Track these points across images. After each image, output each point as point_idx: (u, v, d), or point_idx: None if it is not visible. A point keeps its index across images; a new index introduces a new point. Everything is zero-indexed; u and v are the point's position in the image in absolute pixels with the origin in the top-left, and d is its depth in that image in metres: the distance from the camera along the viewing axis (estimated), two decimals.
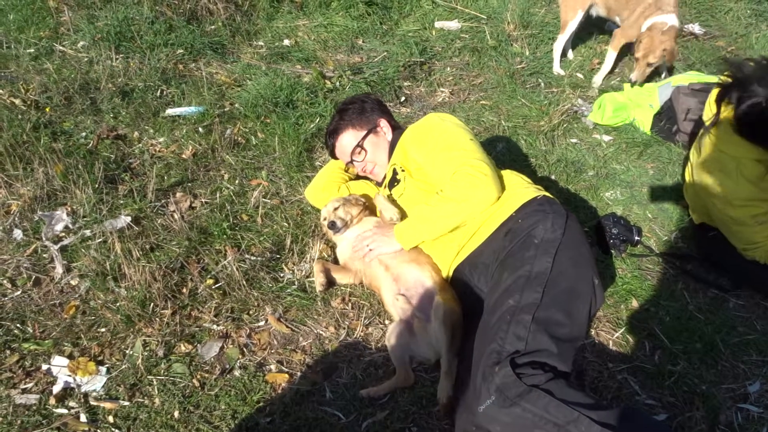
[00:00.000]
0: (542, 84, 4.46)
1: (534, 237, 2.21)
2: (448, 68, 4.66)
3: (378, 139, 2.83)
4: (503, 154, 3.66)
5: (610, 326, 2.62)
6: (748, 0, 5.70)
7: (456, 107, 4.22)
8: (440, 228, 2.43)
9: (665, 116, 3.88)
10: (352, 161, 2.85)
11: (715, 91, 2.70)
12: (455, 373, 2.24)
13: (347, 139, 2.83)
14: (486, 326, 2.09)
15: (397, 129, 2.85)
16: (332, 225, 2.70)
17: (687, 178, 2.98)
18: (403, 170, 2.64)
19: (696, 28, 5.19)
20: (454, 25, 5.23)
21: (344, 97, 4.05)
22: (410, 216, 2.57)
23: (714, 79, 3.88)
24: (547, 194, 2.43)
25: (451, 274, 2.49)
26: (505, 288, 2.12)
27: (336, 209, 2.73)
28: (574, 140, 3.83)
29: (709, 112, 2.72)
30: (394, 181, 2.69)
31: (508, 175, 2.55)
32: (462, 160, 2.36)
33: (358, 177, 3.05)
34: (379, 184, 2.94)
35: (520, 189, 2.43)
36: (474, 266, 2.39)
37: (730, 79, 2.59)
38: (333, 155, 2.96)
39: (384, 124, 2.85)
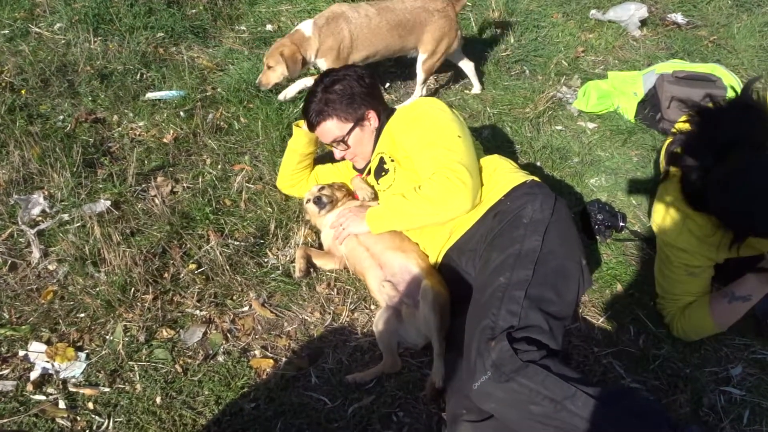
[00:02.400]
0: (527, 71, 4.46)
1: (522, 217, 2.21)
2: None
3: (363, 132, 2.68)
4: (488, 140, 3.64)
5: (596, 311, 2.63)
6: None
7: (441, 94, 4.19)
8: (409, 223, 2.43)
9: (649, 104, 3.89)
10: (331, 145, 2.74)
11: (668, 141, 2.49)
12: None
13: (331, 127, 2.66)
14: (477, 304, 2.08)
15: (385, 112, 2.70)
16: (318, 201, 2.66)
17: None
18: (392, 160, 2.57)
19: (679, 17, 5.22)
20: None
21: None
22: (385, 203, 2.51)
23: (699, 67, 3.93)
24: (536, 179, 2.42)
25: (440, 259, 2.47)
26: (494, 267, 2.12)
27: (321, 189, 2.70)
28: (559, 127, 3.83)
29: (662, 160, 2.56)
30: (381, 171, 2.62)
31: (496, 160, 2.53)
32: (444, 161, 2.30)
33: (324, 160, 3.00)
34: (357, 170, 2.87)
35: (510, 174, 2.41)
36: (462, 251, 2.38)
37: (686, 125, 2.35)
38: (311, 130, 2.76)
39: (372, 116, 2.67)
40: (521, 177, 2.40)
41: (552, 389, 1.79)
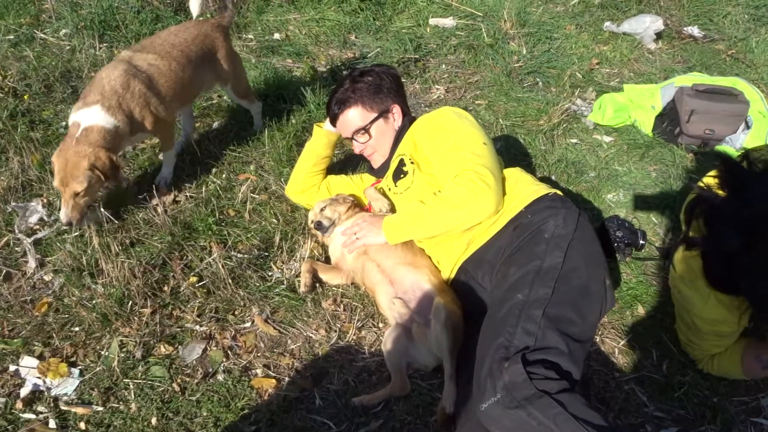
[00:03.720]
0: (540, 83, 4.35)
1: (544, 232, 2.09)
2: (443, 65, 4.53)
3: (386, 126, 2.60)
4: (502, 152, 3.52)
5: (616, 333, 2.50)
6: (746, 5, 5.63)
7: (451, 105, 4.07)
8: (430, 230, 2.29)
9: (667, 118, 3.78)
10: (352, 138, 2.63)
11: (690, 196, 2.16)
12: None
13: (354, 116, 2.58)
14: (492, 320, 1.96)
15: (408, 116, 2.64)
16: (319, 225, 2.58)
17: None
18: (412, 162, 2.47)
19: (695, 30, 5.11)
20: (449, 22, 5.11)
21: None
22: (403, 210, 2.39)
23: (720, 80, 3.81)
24: (558, 192, 2.31)
25: (455, 273, 2.35)
26: (512, 282, 2.00)
27: (323, 209, 2.60)
28: (574, 140, 3.72)
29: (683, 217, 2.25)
30: (399, 173, 2.51)
31: (515, 173, 2.43)
32: (467, 164, 2.20)
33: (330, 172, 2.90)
34: (371, 170, 2.77)
35: (531, 185, 2.31)
36: (479, 264, 2.26)
37: (713, 181, 2.03)
38: (333, 123, 2.69)
39: (396, 111, 2.60)
40: (543, 189, 2.30)
41: (563, 428, 1.63)
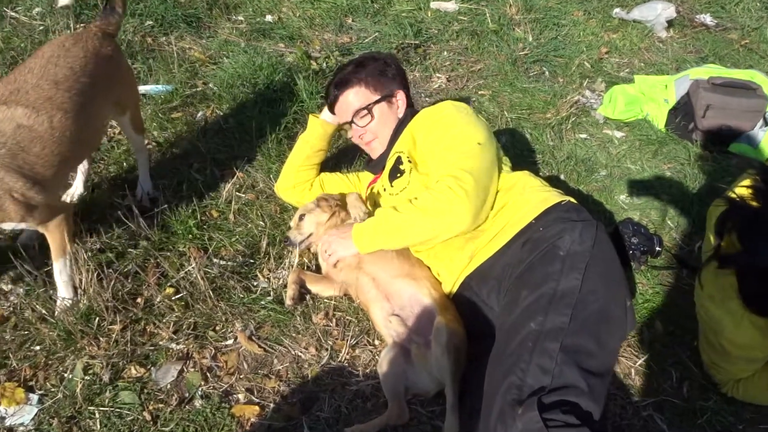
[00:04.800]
0: (546, 72, 4.10)
1: (559, 249, 1.87)
2: (445, 52, 4.27)
3: (389, 110, 2.41)
4: (507, 149, 3.27)
5: (632, 351, 2.29)
6: None
7: (453, 95, 3.84)
8: (401, 240, 2.10)
9: (681, 112, 3.55)
10: (351, 122, 2.42)
11: (719, 207, 1.96)
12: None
13: (356, 96, 2.39)
14: (502, 353, 1.74)
15: (411, 107, 2.46)
16: (286, 240, 2.43)
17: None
18: (409, 161, 2.26)
19: (707, 18, 4.87)
20: (451, 6, 4.83)
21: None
22: (375, 218, 2.18)
23: (737, 73, 3.58)
24: (572, 200, 2.08)
25: (457, 287, 2.13)
26: (524, 308, 1.78)
27: (301, 218, 2.40)
28: (583, 135, 3.48)
29: (709, 241, 2.07)
30: (396, 172, 2.30)
31: (523, 177, 2.20)
32: (450, 168, 2.01)
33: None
34: (368, 164, 2.58)
35: (541, 192, 2.09)
36: (484, 280, 2.04)
37: (746, 192, 1.86)
38: (331, 109, 2.50)
39: (401, 98, 2.43)
40: (555, 197, 2.07)
41: None
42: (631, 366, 2.24)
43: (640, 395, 2.14)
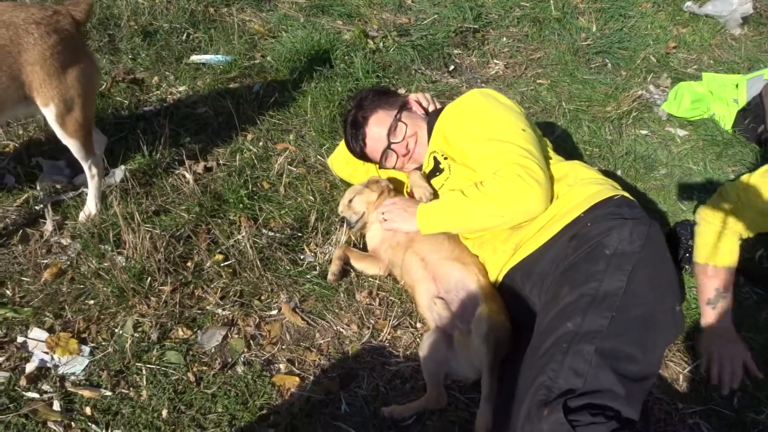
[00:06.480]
0: (609, 65, 3.97)
1: (606, 247, 1.80)
2: (504, 38, 4.18)
3: (414, 113, 2.42)
4: (562, 139, 3.22)
5: (681, 357, 2.22)
6: None
7: (510, 82, 3.76)
8: (467, 224, 2.06)
9: (752, 113, 3.38)
10: (389, 147, 2.36)
11: None
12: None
13: (378, 123, 2.36)
14: (535, 352, 1.70)
15: (432, 111, 2.44)
16: (343, 221, 2.39)
17: None
18: (445, 158, 2.22)
19: None
20: None
21: (388, 60, 3.66)
22: (441, 199, 2.14)
23: None
24: (626, 194, 2.00)
25: (500, 279, 2.09)
26: (563, 307, 1.73)
27: (351, 200, 2.38)
28: (644, 132, 3.37)
29: None
30: (435, 171, 2.27)
31: (575, 167, 2.13)
32: (510, 157, 1.95)
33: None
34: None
35: (592, 185, 2.00)
36: (528, 274, 1.99)
37: None
38: (363, 154, 2.44)
39: (413, 103, 2.43)
40: (607, 191, 1.98)
41: None
42: (679, 372, 2.17)
43: (687, 402, 2.07)
